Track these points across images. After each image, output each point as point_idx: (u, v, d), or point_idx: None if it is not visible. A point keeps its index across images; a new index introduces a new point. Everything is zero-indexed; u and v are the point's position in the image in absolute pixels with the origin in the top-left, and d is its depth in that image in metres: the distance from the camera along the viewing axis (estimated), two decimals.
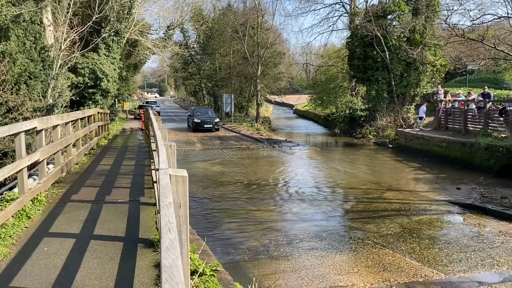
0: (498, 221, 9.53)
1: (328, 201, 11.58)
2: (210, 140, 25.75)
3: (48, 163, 9.07)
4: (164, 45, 35.22)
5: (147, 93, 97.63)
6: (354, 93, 32.95)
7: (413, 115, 26.46)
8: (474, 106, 18.61)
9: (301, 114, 50.26)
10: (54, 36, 18.35)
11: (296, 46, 71.75)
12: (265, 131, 30.72)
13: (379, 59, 26.55)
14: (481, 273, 6.74)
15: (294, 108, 56.61)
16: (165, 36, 36.77)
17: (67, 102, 17.94)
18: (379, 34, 25.33)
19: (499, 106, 17.36)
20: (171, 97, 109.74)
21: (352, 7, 31.09)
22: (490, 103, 17.98)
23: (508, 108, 16.21)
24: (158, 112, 34.22)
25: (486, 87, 20.63)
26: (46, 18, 18.03)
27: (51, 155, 9.09)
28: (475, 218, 9.91)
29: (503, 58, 13.01)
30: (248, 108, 41.07)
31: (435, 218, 9.85)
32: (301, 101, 49.08)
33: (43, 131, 8.24)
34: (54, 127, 9.50)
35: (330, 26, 38.85)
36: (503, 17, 13.79)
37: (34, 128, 7.68)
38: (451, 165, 16.48)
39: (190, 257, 4.77)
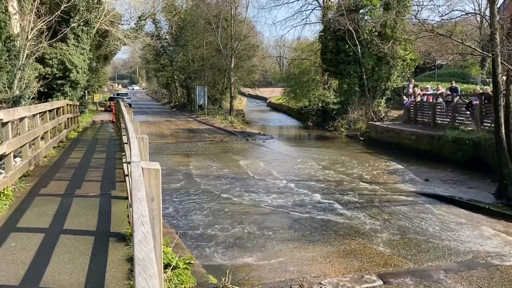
0: (465, 211, 9.85)
1: (300, 193, 11.69)
2: (183, 133, 25.55)
3: (15, 156, 8.80)
4: (136, 36, 34.58)
5: (117, 85, 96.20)
6: (326, 86, 33.23)
7: (384, 108, 26.94)
8: (442, 100, 19.10)
9: (275, 107, 50.39)
10: (21, 25, 17.74)
11: (269, 39, 71.83)
12: (239, 124, 30.67)
13: (351, 53, 26.86)
14: (448, 261, 6.96)
15: (267, 101, 56.68)
16: (136, 26, 36.08)
17: (34, 94, 17.42)
18: (351, 28, 25.60)
19: (466, 100, 17.87)
20: (143, 89, 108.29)
21: (325, 0, 31.26)
22: (458, 97, 18.49)
23: (474, 102, 16.70)
24: (130, 104, 33.59)
25: (453, 82, 21.19)
26: (12, 6, 17.42)
27: (18, 148, 8.83)
28: (443, 208, 10.20)
29: (470, 53, 13.37)
30: (222, 100, 40.85)
31: (404, 209, 10.09)
32: (274, 94, 49.18)
33: (9, 123, 7.98)
34: (21, 119, 9.21)
35: (303, 19, 39.11)
36: (471, 13, 14.18)
37: None
38: (420, 157, 16.88)
39: (163, 251, 4.74)
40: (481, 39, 17.53)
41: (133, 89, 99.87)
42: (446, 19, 13.31)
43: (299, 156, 18.38)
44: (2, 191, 7.08)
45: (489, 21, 11.46)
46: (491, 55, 11.21)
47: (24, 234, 5.59)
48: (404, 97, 23.61)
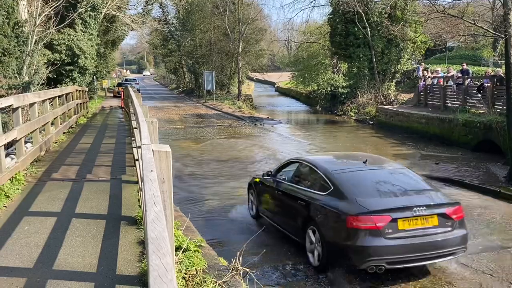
0: (475, 195, 9.79)
1: None
2: (192, 119, 25.58)
3: (26, 142, 8.88)
4: (143, 21, 34.40)
5: (126, 71, 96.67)
6: (335, 70, 32.97)
7: (394, 91, 26.68)
8: (452, 83, 18.85)
9: (283, 92, 50.17)
10: (28, 11, 17.70)
11: (277, 23, 71.11)
12: (247, 109, 30.61)
13: (360, 36, 26.51)
14: None
15: (276, 85, 56.42)
16: (143, 11, 35.90)
17: (43, 80, 17.45)
18: (360, 10, 25.23)
19: (477, 82, 17.62)
20: (150, 74, 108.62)
21: None
22: (469, 79, 18.23)
23: (486, 84, 16.46)
24: (138, 90, 33.63)
25: (464, 64, 20.86)
26: None
27: (28, 134, 8.90)
28: (453, 192, 10.12)
29: (482, 35, 13.15)
30: (230, 85, 40.72)
31: None
32: (282, 78, 48.89)
33: (20, 109, 8.03)
34: (31, 104, 9.27)
35: (311, 1, 38.30)
36: None
37: (10, 105, 7.48)
38: (430, 141, 16.76)
39: (174, 234, 4.77)
40: (493, 20, 17.21)
41: (143, 75, 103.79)
42: (458, 0, 13.06)
43: (308, 140, 18.33)
44: (14, 176, 7.16)
45: (502, 1, 11.21)
46: (503, 36, 11.00)
47: (37, 218, 5.66)
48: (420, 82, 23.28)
